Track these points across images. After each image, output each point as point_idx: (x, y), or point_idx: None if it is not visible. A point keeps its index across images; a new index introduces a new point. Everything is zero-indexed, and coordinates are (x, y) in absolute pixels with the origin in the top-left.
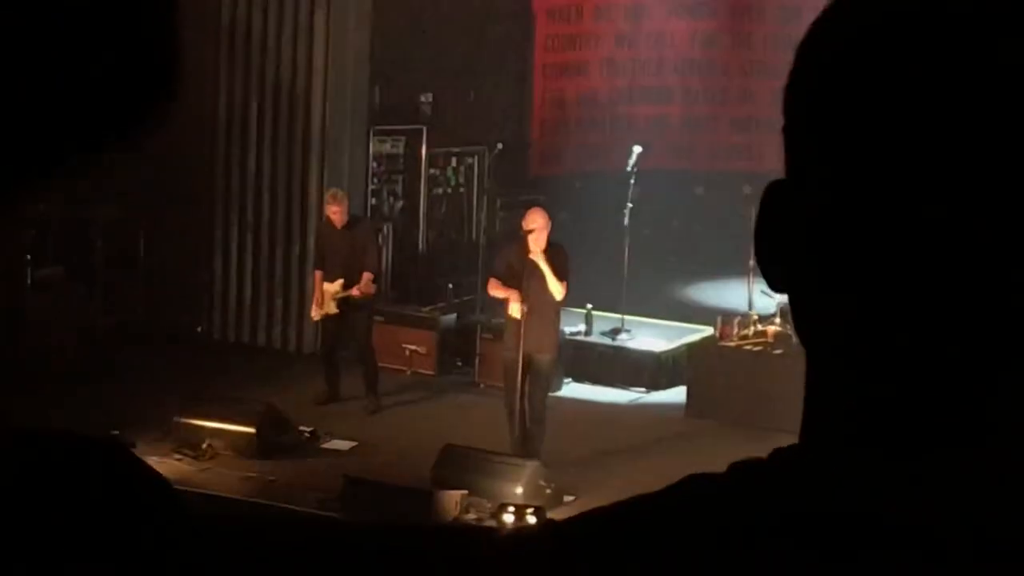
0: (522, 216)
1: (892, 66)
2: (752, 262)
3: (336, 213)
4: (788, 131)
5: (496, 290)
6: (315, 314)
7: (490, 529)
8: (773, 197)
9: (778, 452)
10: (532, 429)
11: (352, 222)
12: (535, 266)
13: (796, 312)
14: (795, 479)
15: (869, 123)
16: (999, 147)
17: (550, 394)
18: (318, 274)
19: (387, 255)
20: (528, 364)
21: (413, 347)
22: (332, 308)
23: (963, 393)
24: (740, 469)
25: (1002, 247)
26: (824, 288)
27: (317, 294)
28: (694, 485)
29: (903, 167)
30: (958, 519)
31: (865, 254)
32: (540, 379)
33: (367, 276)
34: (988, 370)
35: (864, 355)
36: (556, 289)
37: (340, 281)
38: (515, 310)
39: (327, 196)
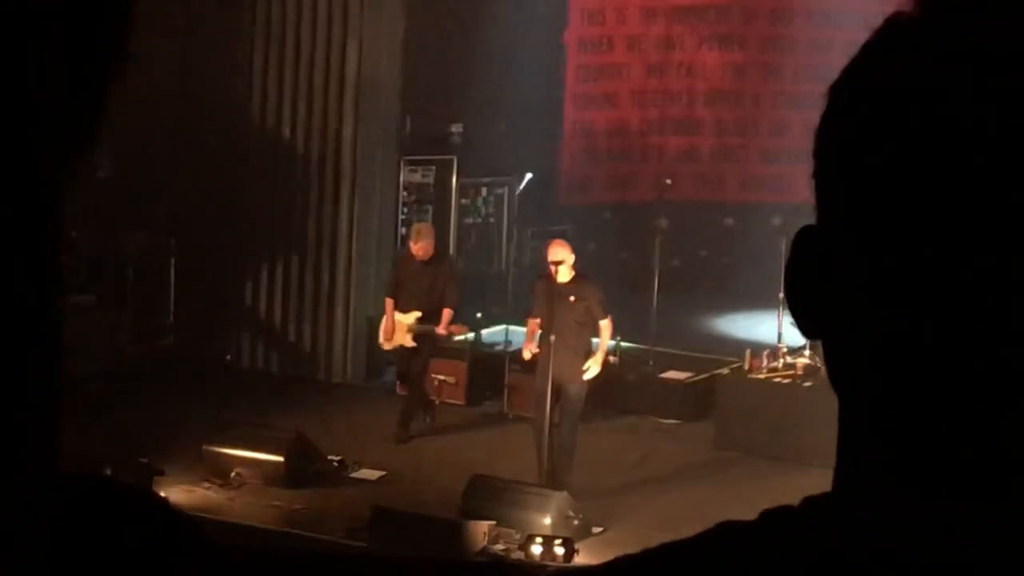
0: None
1: (928, 115)
2: (782, 295)
3: (420, 249)
4: (819, 175)
5: (529, 338)
6: (386, 345)
7: (517, 568)
8: (804, 242)
9: (810, 500)
10: (560, 460)
11: (438, 257)
12: (563, 295)
13: (829, 358)
14: (827, 530)
15: (902, 170)
16: None
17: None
18: (389, 303)
19: None
20: (557, 394)
21: (443, 377)
22: (408, 341)
23: (1004, 441)
24: (771, 517)
25: None
26: (856, 335)
27: (388, 323)
28: (725, 533)
29: (938, 216)
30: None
31: (898, 301)
32: (568, 409)
33: (449, 313)
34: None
35: (900, 403)
36: (605, 330)
37: (417, 314)
38: (538, 342)
39: (412, 231)
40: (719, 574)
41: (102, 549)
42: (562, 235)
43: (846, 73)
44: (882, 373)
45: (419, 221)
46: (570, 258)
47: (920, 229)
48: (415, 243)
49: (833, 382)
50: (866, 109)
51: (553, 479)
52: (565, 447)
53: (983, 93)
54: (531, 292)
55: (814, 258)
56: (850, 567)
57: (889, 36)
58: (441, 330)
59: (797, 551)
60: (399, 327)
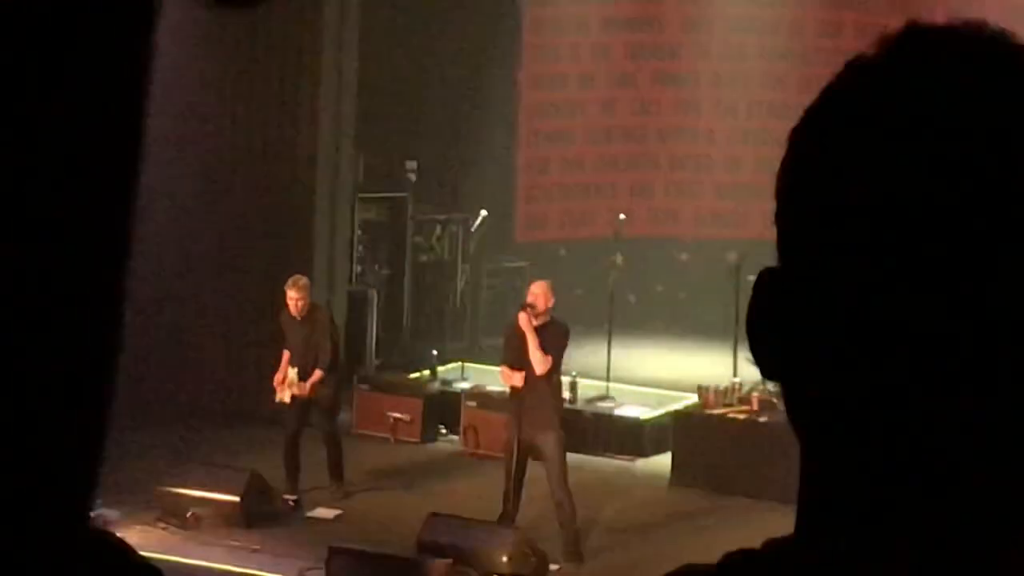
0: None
1: (887, 161)
2: (739, 329)
3: (293, 300)
4: (780, 218)
5: (504, 376)
6: (282, 395)
7: None
8: (765, 284)
9: (772, 543)
10: (563, 517)
11: (311, 312)
12: (526, 339)
13: (790, 401)
14: (790, 574)
15: (867, 216)
16: (1002, 251)
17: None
18: (285, 355)
19: (372, 322)
20: (534, 450)
21: (398, 415)
22: (287, 397)
23: (970, 491)
24: (733, 560)
25: (998, 347)
26: (818, 379)
27: (280, 375)
28: None
29: (903, 264)
30: None
31: (860, 349)
32: (550, 464)
33: (318, 375)
34: (988, 464)
35: (863, 449)
36: (536, 360)
37: (295, 370)
38: (515, 378)
39: (289, 282)
40: None
41: None
42: (518, 273)
43: (808, 116)
44: (845, 418)
45: (298, 275)
46: (544, 300)
47: (885, 276)
48: (288, 291)
49: (793, 423)
50: (829, 153)
51: (564, 529)
52: (563, 504)
53: (948, 137)
54: (505, 335)
55: (775, 300)
56: None
57: (850, 80)
58: (302, 390)
59: None
60: (289, 381)
